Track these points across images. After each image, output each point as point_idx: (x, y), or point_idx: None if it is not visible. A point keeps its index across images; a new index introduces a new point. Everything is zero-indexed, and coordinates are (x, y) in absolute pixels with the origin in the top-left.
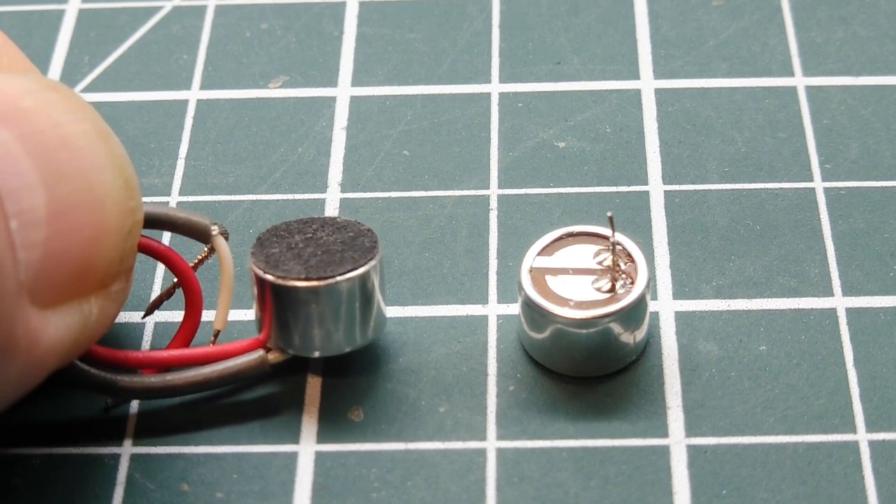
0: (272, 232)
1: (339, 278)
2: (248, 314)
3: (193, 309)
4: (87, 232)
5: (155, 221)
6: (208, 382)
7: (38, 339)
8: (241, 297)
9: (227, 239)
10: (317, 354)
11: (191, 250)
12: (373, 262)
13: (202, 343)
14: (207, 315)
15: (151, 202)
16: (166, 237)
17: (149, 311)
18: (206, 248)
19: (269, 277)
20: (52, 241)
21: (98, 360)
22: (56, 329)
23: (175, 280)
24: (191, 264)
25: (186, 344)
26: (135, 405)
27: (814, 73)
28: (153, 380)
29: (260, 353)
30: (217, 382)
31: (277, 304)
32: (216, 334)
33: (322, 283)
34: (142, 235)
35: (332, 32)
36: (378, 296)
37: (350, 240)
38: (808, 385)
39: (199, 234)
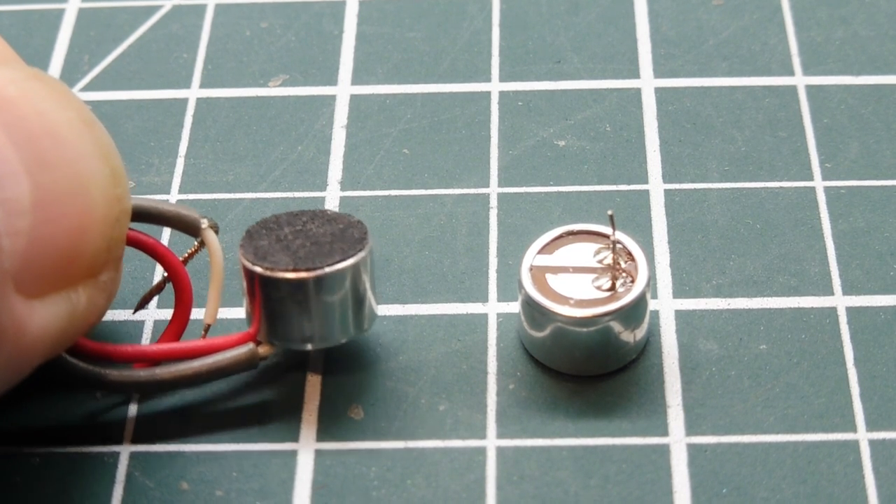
0: (262, 224)
1: (327, 269)
2: (241, 311)
3: (183, 303)
4: (72, 220)
5: (144, 215)
6: (198, 376)
7: (24, 328)
8: (236, 295)
9: (217, 233)
10: (308, 347)
11: (182, 246)
12: (362, 254)
13: (193, 337)
14: (198, 309)
15: (142, 196)
16: (165, 236)
17: (139, 307)
18: (196, 242)
19: (258, 269)
20: (37, 230)
21: (87, 353)
22: (43, 318)
23: (165, 274)
24: (181, 258)
25: (177, 338)
26: (134, 405)
27: (814, 73)
28: (142, 374)
29: (250, 346)
30: (207, 376)
31: (266, 296)
32: (206, 328)
33: (310, 274)
34: (131, 229)
35: (331, 31)
36: (368, 287)
37: (339, 231)
38: (808, 384)
39: (189, 227)
